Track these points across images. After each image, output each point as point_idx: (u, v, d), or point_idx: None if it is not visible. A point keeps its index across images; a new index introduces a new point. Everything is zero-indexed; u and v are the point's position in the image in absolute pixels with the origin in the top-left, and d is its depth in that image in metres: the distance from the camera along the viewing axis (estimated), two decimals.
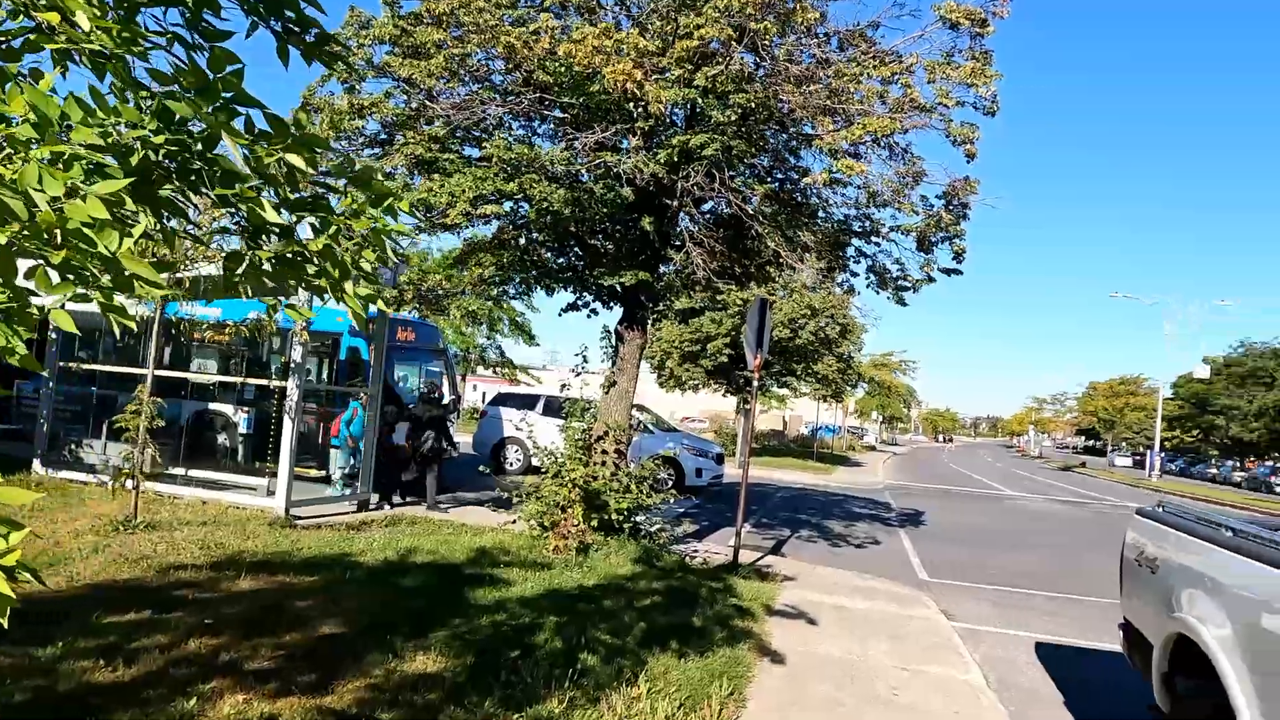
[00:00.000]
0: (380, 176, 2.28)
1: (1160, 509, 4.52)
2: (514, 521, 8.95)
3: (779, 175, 9.26)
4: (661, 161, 6.69)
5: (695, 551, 9.80)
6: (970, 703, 5.34)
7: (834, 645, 6.33)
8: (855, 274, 9.56)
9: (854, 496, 21.17)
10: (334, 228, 1.92)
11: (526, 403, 18.14)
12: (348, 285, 1.99)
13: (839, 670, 5.71)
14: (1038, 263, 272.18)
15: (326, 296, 2.05)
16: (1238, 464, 60.31)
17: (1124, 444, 79.93)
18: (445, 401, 15.31)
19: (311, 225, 2.00)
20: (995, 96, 7.10)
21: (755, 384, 8.81)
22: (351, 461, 11.18)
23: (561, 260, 8.44)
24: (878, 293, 9.41)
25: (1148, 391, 72.03)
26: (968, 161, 7.46)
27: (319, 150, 1.94)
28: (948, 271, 8.88)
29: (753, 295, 9.57)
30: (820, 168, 7.27)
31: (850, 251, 9.37)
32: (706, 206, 9.65)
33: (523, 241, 8.81)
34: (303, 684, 4.22)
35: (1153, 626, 4.10)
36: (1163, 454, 52.65)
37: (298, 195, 1.96)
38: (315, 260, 1.96)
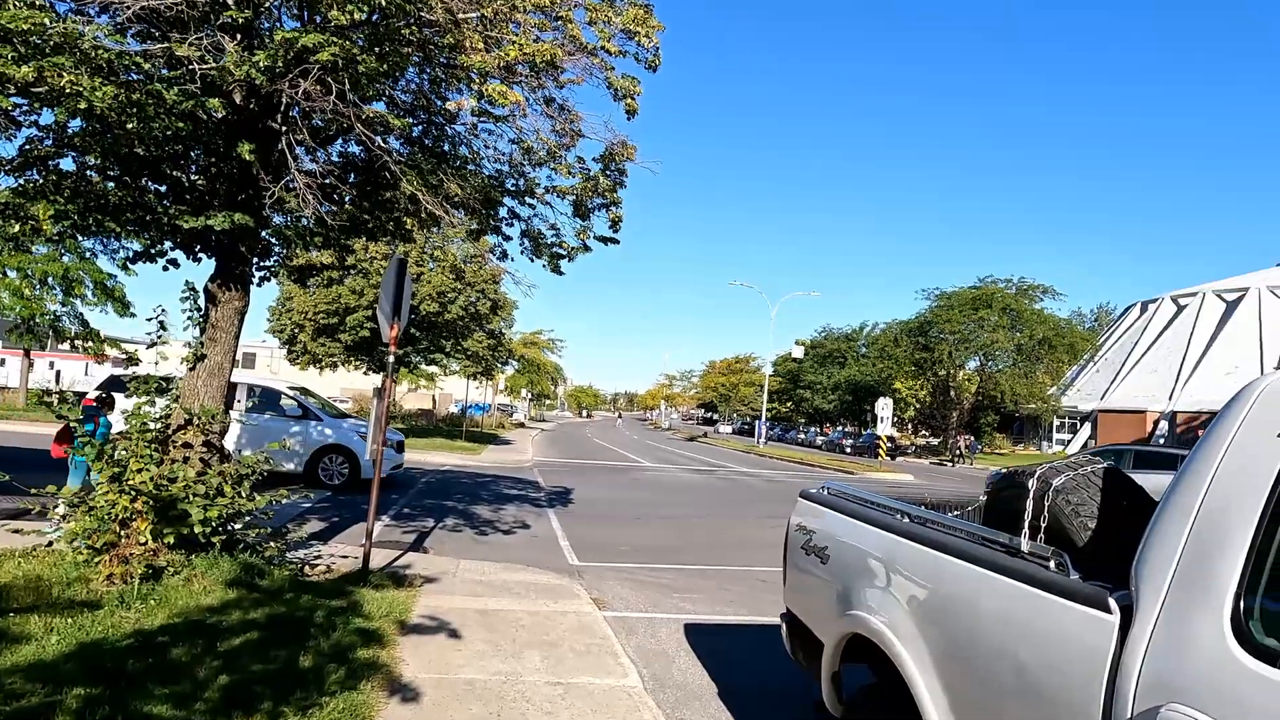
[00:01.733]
0: None
1: (826, 491, 4.25)
2: (50, 544, 6.64)
3: (424, 117, 8.00)
4: (261, 66, 5.09)
5: (318, 558, 8.24)
6: (629, 715, 4.76)
7: (479, 665, 5.39)
8: (508, 238, 8.69)
9: (503, 476, 20.62)
10: None
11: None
12: None
13: (484, 699, 4.78)
14: (673, 245, 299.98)
15: None
16: (819, 430, 72.04)
17: (735, 415, 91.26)
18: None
19: None
20: (658, 50, 6.66)
21: (391, 358, 7.51)
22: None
23: (124, 193, 6.29)
24: (532, 259, 8.65)
25: (755, 369, 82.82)
26: (629, 118, 6.95)
27: None
28: (604, 240, 8.39)
29: (397, 253, 8.19)
30: (470, 99, 6.18)
31: (503, 212, 8.46)
32: (335, 146, 8.08)
33: (67, 164, 6.47)
34: None
35: (823, 622, 3.75)
36: (766, 423, 60.63)
37: None
38: None
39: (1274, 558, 1.81)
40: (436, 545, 10.13)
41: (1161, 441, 53.77)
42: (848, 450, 54.56)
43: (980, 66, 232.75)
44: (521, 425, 64.45)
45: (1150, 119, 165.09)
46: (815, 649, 3.84)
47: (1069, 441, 59.98)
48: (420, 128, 8.03)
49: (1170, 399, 54.99)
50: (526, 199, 8.31)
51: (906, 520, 3.29)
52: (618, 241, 8.43)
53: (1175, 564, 2.00)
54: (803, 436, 69.11)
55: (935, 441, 60.46)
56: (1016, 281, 54.96)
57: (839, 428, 71.63)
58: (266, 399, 14.33)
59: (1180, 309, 62.50)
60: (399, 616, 6.21)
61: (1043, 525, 2.58)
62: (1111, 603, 2.12)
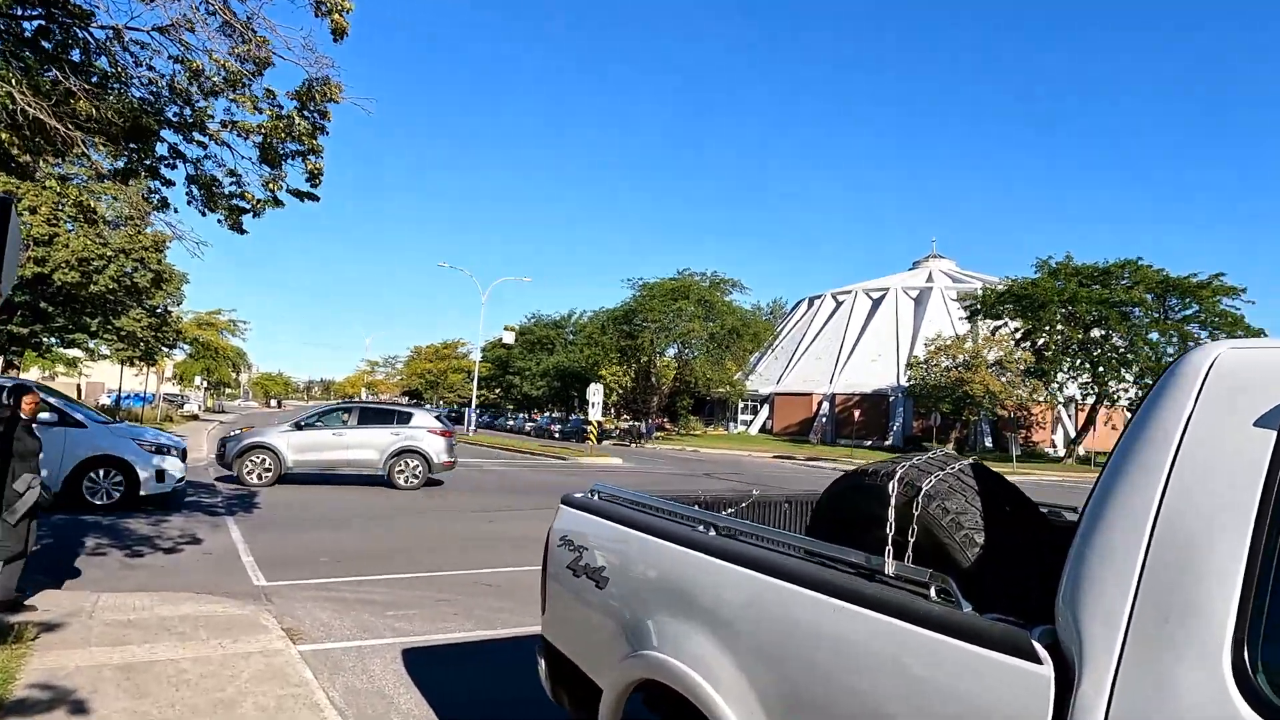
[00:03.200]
0: None
1: (595, 496, 3.51)
2: None
3: (42, 11, 5.96)
4: None
5: None
6: None
7: None
8: (170, 182, 6.84)
9: None
10: None
11: None
12: None
13: None
14: (377, 225, 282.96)
15: None
16: (528, 416, 72.24)
17: (442, 402, 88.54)
18: None
19: None
20: None
21: None
22: None
23: None
24: (204, 212, 6.90)
25: (464, 355, 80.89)
26: (336, 39, 5.63)
27: None
28: (300, 195, 6.91)
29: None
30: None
31: (163, 149, 6.63)
32: None
33: None
34: None
35: (602, 662, 3.02)
36: (475, 410, 59.24)
37: None
38: None
39: (1277, 583, 1.38)
40: (68, 575, 7.90)
41: (824, 421, 61.52)
42: (556, 435, 55.26)
43: (683, 69, 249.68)
44: (195, 418, 56.58)
45: (807, 143, 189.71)
46: (588, 693, 3.10)
47: (751, 422, 66.35)
48: (37, 24, 5.98)
49: (831, 383, 63.00)
50: (195, 135, 6.58)
51: (713, 533, 2.65)
52: (317, 198, 7.00)
53: (1133, 594, 1.52)
54: (511, 423, 68.86)
55: (638, 425, 63.51)
56: (710, 275, 59.30)
57: (547, 413, 72.39)
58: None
59: (839, 304, 71.90)
60: None
61: (911, 540, 2.05)
62: (1039, 649, 1.61)
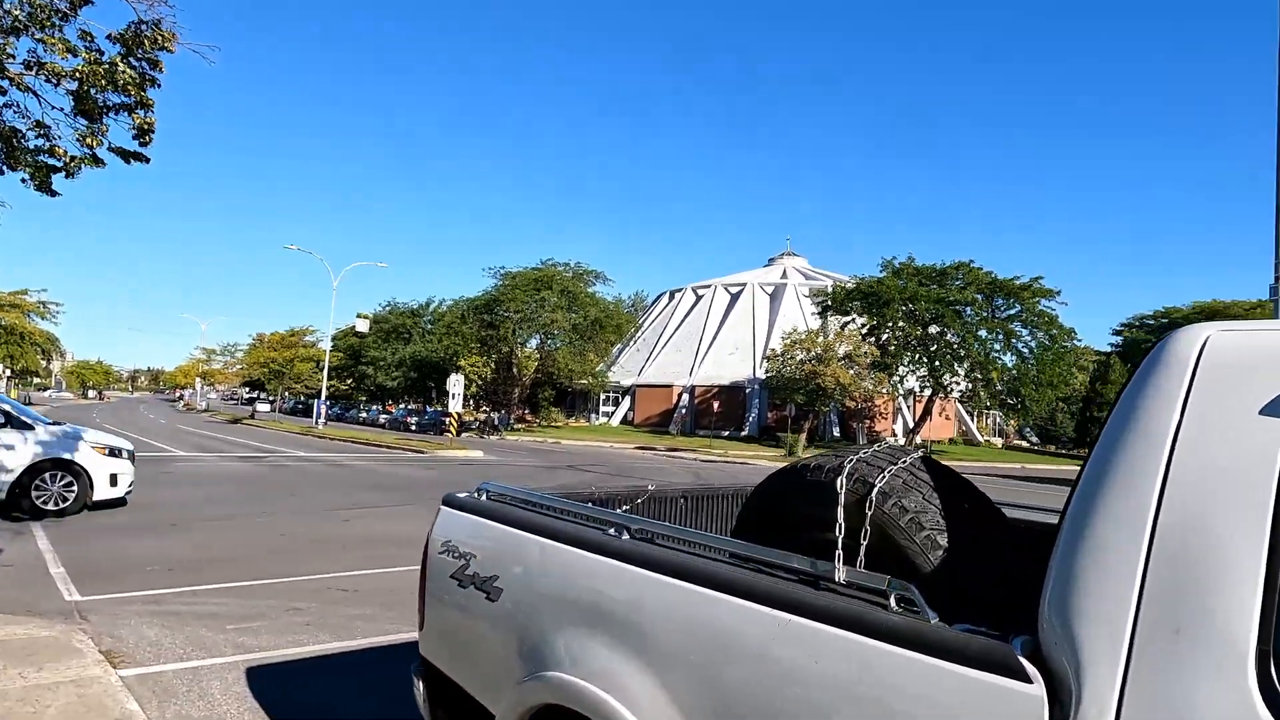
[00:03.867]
0: None
1: (483, 496, 3.14)
2: None
3: None
4: None
5: None
6: None
7: None
8: None
9: None
10: None
11: None
12: None
13: None
14: (220, 201, 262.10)
15: None
16: (382, 408, 69.24)
17: (288, 394, 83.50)
18: None
19: None
20: None
21: None
22: None
23: None
24: (3, 170, 5.88)
25: (313, 344, 76.51)
26: None
27: None
28: (126, 154, 6.02)
29: None
30: None
31: None
32: None
33: None
34: None
35: (493, 684, 2.67)
36: (325, 402, 56.01)
37: None
38: None
39: None
40: None
41: (684, 412, 62.65)
42: (413, 428, 53.29)
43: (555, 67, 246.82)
44: None
45: (667, 141, 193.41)
46: (472, 714, 2.75)
47: (613, 413, 66.66)
48: None
49: (690, 375, 64.25)
50: None
51: (627, 536, 2.36)
52: (146, 159, 6.12)
53: (1136, 601, 1.37)
54: (365, 415, 65.82)
55: (493, 416, 62.35)
56: (574, 266, 58.93)
57: (403, 405, 69.69)
58: None
59: (699, 298, 73.41)
60: None
61: (863, 544, 1.85)
62: (1028, 666, 1.43)
